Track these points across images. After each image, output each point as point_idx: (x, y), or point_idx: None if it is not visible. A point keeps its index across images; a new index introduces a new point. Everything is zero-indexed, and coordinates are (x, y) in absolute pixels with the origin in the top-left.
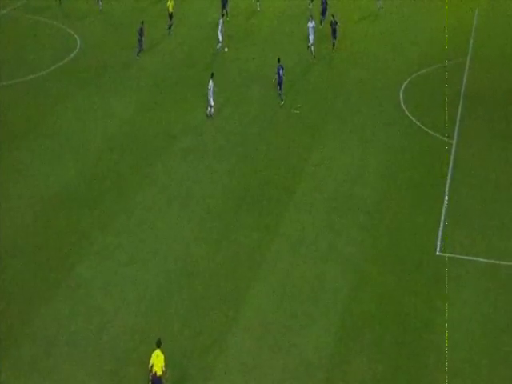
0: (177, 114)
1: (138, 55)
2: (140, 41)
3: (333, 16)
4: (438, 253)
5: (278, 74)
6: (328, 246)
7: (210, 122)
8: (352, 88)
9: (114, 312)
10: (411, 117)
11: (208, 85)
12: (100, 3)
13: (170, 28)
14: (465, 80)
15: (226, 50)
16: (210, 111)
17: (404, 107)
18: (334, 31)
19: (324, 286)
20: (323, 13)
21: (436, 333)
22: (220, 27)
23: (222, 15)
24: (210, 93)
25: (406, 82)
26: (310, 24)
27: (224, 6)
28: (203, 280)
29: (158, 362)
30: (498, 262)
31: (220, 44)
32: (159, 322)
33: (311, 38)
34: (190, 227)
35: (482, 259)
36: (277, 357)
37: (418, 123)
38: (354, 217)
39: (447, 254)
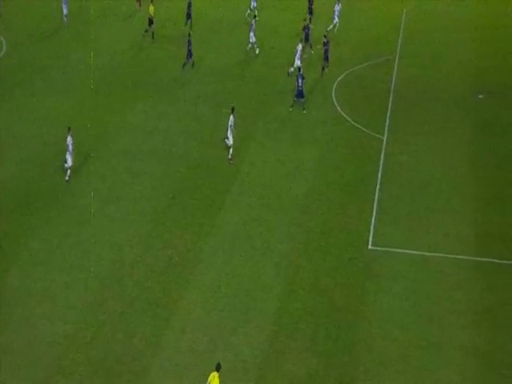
0: (112, 115)
1: (191, 67)
2: (189, 52)
3: (325, 36)
4: (370, 247)
5: (297, 82)
6: (262, 244)
7: (144, 123)
8: (285, 86)
9: (44, 320)
10: (343, 114)
11: (228, 120)
12: (65, 18)
13: (152, 34)
14: (394, 77)
15: (257, 52)
16: (230, 151)
17: (336, 104)
18: (325, 51)
19: (259, 283)
20: (306, 38)
21: (368, 326)
22: (253, 28)
23: (255, 16)
24: (230, 129)
25: (338, 80)
26: (299, 46)
27: (188, 15)
28: (136, 283)
29: (212, 383)
30: (427, 253)
31: (250, 45)
32: (91, 327)
33: (298, 62)
34: (123, 230)
35: (411, 251)
36: (212, 356)
37: (350, 120)
38: (286, 214)
39: (379, 248)
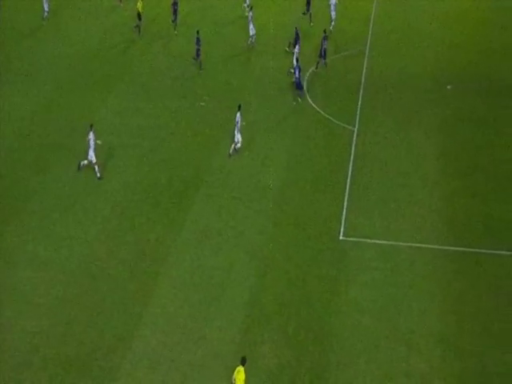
0: (79, 111)
1: (200, 68)
2: (198, 50)
3: (324, 31)
4: (341, 237)
5: (295, 74)
6: (234, 236)
7: (117, 118)
8: (257, 78)
9: (14, 316)
10: (315, 106)
11: (235, 118)
12: (46, 14)
13: (138, 29)
14: (365, 68)
15: (251, 44)
16: (235, 146)
17: (308, 96)
18: (324, 49)
19: (231, 275)
20: (295, 43)
21: (340, 316)
22: (251, 20)
23: (251, 8)
24: (237, 127)
25: (309, 72)
26: (297, 49)
27: (174, 13)
28: (107, 278)
29: (238, 377)
30: (396, 243)
31: (250, 39)
32: (62, 323)
33: (295, 62)
34: (94, 225)
35: (382, 241)
36: (184, 350)
37: (322, 112)
38: (259, 205)
39: (350, 239)
